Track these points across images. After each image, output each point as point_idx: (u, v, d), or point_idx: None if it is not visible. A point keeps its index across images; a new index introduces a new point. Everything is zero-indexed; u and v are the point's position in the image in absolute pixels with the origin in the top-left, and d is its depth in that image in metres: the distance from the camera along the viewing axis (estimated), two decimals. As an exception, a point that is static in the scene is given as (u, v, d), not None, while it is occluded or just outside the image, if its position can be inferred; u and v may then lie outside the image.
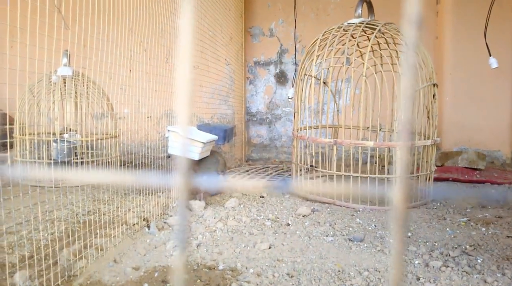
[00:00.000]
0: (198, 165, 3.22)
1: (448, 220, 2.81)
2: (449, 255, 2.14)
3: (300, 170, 3.45)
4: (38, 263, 1.77)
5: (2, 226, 2.20)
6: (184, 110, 0.26)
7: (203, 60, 4.02)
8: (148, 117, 3.33)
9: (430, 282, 1.86)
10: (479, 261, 2.08)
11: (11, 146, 3.63)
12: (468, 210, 3.08)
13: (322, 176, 3.69)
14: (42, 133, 3.62)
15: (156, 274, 1.91)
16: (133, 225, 2.51)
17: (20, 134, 3.62)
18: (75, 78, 3.80)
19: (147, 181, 0.30)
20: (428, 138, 3.30)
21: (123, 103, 2.71)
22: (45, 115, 3.62)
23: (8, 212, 1.91)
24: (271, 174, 4.15)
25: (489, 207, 3.14)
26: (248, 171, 4.29)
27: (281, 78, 5.73)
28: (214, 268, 1.99)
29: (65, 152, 3.45)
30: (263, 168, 4.54)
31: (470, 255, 2.15)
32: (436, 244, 2.33)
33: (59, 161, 3.43)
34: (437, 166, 4.21)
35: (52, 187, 2.31)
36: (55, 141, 3.46)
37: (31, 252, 2.00)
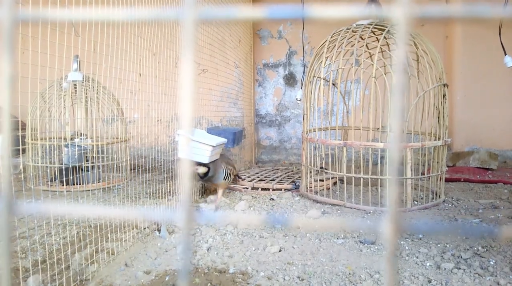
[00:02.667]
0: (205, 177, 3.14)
1: (459, 221, 2.79)
2: (461, 257, 2.12)
3: (310, 172, 3.45)
4: (51, 268, 1.79)
5: (15, 231, 2.23)
6: (188, 113, 0.26)
7: (213, 63, 4.03)
8: (158, 121, 3.35)
9: (441, 285, 1.84)
10: (491, 263, 2.06)
11: (23, 151, 3.68)
12: (480, 210, 3.05)
13: (332, 178, 3.67)
14: (54, 139, 3.66)
15: (167, 278, 1.92)
16: (144, 229, 2.53)
17: (32, 140, 3.66)
18: (85, 83, 3.84)
19: (135, 215, 0.31)
20: (439, 139, 3.27)
21: (133, 108, 2.73)
22: (56, 121, 3.66)
23: (21, 217, 1.93)
24: (280, 176, 4.15)
25: (502, 208, 3.10)
26: (257, 173, 4.29)
27: (290, 80, 5.73)
28: (224, 272, 2.00)
29: (76, 156, 3.48)
30: (272, 170, 4.54)
31: (482, 257, 2.12)
32: (448, 245, 2.31)
33: (70, 165, 3.47)
34: (448, 166, 4.18)
35: (63, 192, 2.33)
36: (66, 146, 3.50)
37: (43, 256, 2.02)
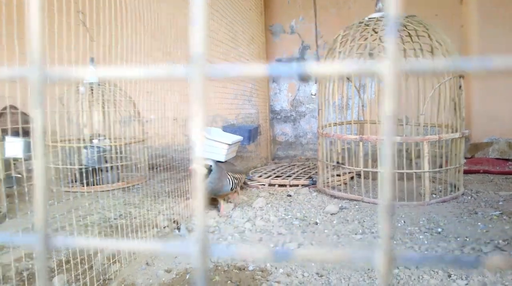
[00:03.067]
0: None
1: (479, 214, 2.76)
2: (481, 251, 2.11)
3: (327, 167, 3.45)
4: (75, 268, 1.83)
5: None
6: (200, 114, 0.28)
7: (226, 61, 4.05)
8: (174, 120, 3.38)
9: (461, 279, 1.84)
10: (513, 255, 2.04)
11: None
12: (500, 202, 3.01)
13: (349, 173, 3.67)
14: (72, 140, 3.73)
15: (187, 276, 1.95)
16: (164, 227, 2.57)
17: (52, 143, 3.74)
18: (101, 85, 3.90)
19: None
20: (456, 131, 3.24)
21: (150, 109, 2.76)
22: (75, 123, 3.72)
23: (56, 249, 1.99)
24: (297, 172, 4.15)
25: (523, 199, 3.06)
26: (274, 169, 4.30)
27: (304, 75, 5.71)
28: (244, 269, 2.02)
29: (95, 157, 3.54)
30: (289, 166, 4.55)
31: (503, 250, 2.10)
32: (468, 239, 2.29)
33: (90, 167, 3.53)
34: (467, 158, 4.13)
35: (84, 192, 2.38)
36: (85, 148, 3.56)
37: (67, 256, 2.07)
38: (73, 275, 1.83)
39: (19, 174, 3.42)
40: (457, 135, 3.20)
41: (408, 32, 3.26)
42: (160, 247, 0.29)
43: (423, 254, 0.27)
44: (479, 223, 2.56)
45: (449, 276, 1.87)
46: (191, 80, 0.28)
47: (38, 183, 0.30)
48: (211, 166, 2.84)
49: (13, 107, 4.91)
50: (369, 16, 3.37)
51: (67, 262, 1.91)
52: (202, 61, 0.28)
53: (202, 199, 0.29)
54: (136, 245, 0.30)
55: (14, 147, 3.77)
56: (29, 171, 3.53)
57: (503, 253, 2.07)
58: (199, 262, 0.28)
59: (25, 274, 1.89)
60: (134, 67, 0.29)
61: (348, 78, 3.46)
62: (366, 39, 3.27)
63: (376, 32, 3.23)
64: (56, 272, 1.86)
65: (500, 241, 2.22)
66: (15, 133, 3.81)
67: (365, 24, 3.31)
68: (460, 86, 3.22)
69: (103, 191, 3.36)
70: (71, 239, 0.31)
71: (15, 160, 3.10)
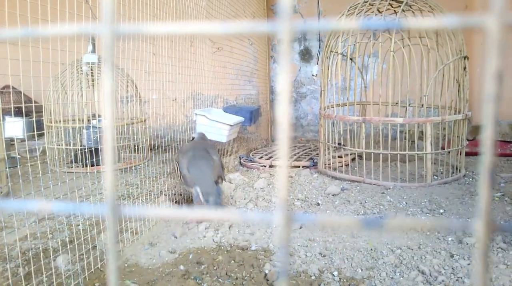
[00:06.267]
0: (189, 169, 2.45)
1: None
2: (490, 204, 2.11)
3: (328, 149, 3.44)
4: (78, 248, 1.84)
5: (44, 213, 2.29)
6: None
7: (227, 41, 4.00)
8: (174, 100, 3.36)
9: (464, 259, 1.85)
10: (515, 237, 2.04)
11: (43, 134, 3.74)
12: (502, 184, 3.02)
13: (350, 154, 3.66)
14: (73, 121, 3.70)
15: (190, 256, 1.96)
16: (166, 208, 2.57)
17: (52, 123, 3.72)
18: (100, 65, 3.85)
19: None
20: (459, 112, 3.22)
21: (150, 89, 2.74)
22: (75, 103, 3.69)
23: (48, 201, 1.98)
24: (298, 153, 4.15)
25: (524, 181, 3.07)
26: (274, 151, 4.30)
27: (305, 55, 5.66)
28: (247, 249, 2.03)
29: (95, 138, 3.52)
30: (289, 148, 4.54)
31: (505, 231, 2.11)
32: (470, 220, 2.30)
33: (90, 147, 3.51)
34: (468, 140, 4.12)
35: (86, 173, 2.37)
36: (86, 128, 3.54)
37: (70, 237, 2.07)
38: (77, 255, 1.84)
39: (19, 154, 3.41)
40: (460, 117, 3.18)
41: (413, 12, 3.21)
42: (239, 216, 0.28)
43: None
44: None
45: (452, 256, 1.88)
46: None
47: (108, 149, 0.29)
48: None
49: (8, 87, 4.87)
50: (373, -5, 3.31)
51: (71, 242, 1.91)
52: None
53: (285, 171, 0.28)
54: (211, 214, 0.29)
55: (14, 126, 3.75)
56: (30, 151, 3.51)
57: (505, 234, 2.08)
58: (283, 230, 0.27)
59: (29, 254, 1.90)
60: (215, 24, 0.28)
61: (351, 59, 3.42)
62: (370, 19, 3.22)
63: (380, 12, 3.19)
64: (60, 251, 1.87)
65: (501, 222, 2.23)
66: (15, 113, 3.78)
67: (369, 3, 3.26)
68: (464, 68, 3.20)
69: (104, 171, 3.35)
70: (140, 208, 0.30)
71: (15, 139, 3.09)
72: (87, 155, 2.43)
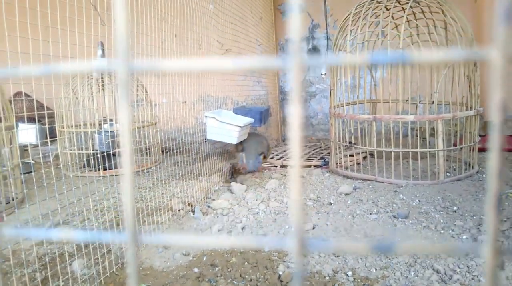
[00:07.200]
0: (242, 144, 3.40)
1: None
2: (498, 229, 2.09)
3: (339, 148, 3.43)
4: (93, 252, 1.86)
5: (57, 216, 2.32)
6: None
7: (235, 43, 4.01)
8: (183, 102, 3.37)
9: (479, 257, 1.83)
10: (531, 233, 2.02)
11: (56, 140, 3.78)
12: (516, 180, 2.98)
13: (361, 153, 3.65)
14: (85, 126, 3.74)
15: (204, 258, 1.97)
16: (179, 210, 2.59)
17: (64, 128, 3.76)
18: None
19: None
20: (471, 108, 3.19)
21: (160, 93, 2.76)
22: (86, 109, 3.73)
23: (63, 206, 2.01)
24: (309, 152, 4.14)
25: (539, 176, 3.03)
26: (285, 151, 4.30)
27: (314, 54, 5.65)
28: (260, 250, 2.03)
29: (107, 142, 3.55)
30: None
31: (521, 228, 2.09)
32: (484, 217, 2.27)
33: (102, 152, 3.54)
34: (481, 136, 4.08)
35: (99, 177, 2.39)
36: (98, 132, 3.57)
37: (85, 241, 2.10)
38: (92, 259, 1.86)
39: (33, 160, 3.45)
40: (471, 113, 3.15)
41: (421, 9, 3.19)
42: (254, 242, 0.28)
43: None
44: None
45: (466, 254, 1.86)
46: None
47: (126, 184, 0.30)
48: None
49: (20, 93, 4.93)
50: (381, -7, 3.29)
51: (86, 246, 1.93)
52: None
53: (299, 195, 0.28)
54: (231, 241, 0.29)
55: (27, 133, 3.79)
56: (44, 157, 3.55)
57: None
58: (297, 257, 0.27)
59: (46, 259, 1.92)
60: (228, 60, 0.29)
61: (359, 57, 3.41)
62: (378, 16, 3.21)
63: (388, 9, 3.17)
64: (76, 256, 1.89)
65: (509, 244, 2.21)
66: (27, 119, 3.83)
67: (377, 1, 3.24)
68: (475, 63, 3.17)
69: (117, 175, 3.38)
70: (161, 236, 0.31)
71: (28, 145, 3.13)
72: (99, 159, 2.45)
